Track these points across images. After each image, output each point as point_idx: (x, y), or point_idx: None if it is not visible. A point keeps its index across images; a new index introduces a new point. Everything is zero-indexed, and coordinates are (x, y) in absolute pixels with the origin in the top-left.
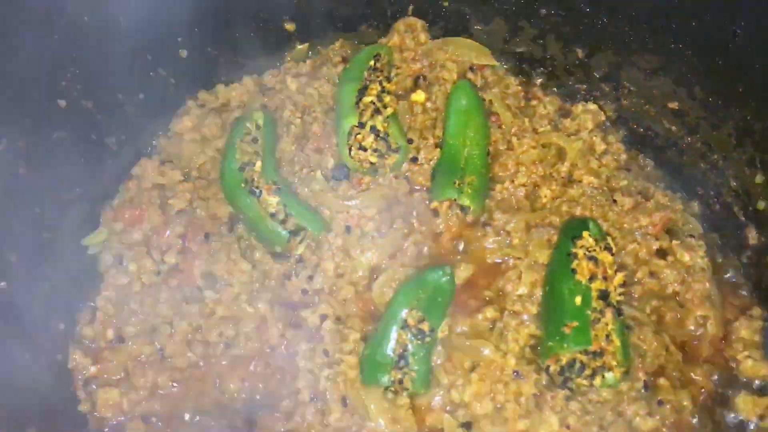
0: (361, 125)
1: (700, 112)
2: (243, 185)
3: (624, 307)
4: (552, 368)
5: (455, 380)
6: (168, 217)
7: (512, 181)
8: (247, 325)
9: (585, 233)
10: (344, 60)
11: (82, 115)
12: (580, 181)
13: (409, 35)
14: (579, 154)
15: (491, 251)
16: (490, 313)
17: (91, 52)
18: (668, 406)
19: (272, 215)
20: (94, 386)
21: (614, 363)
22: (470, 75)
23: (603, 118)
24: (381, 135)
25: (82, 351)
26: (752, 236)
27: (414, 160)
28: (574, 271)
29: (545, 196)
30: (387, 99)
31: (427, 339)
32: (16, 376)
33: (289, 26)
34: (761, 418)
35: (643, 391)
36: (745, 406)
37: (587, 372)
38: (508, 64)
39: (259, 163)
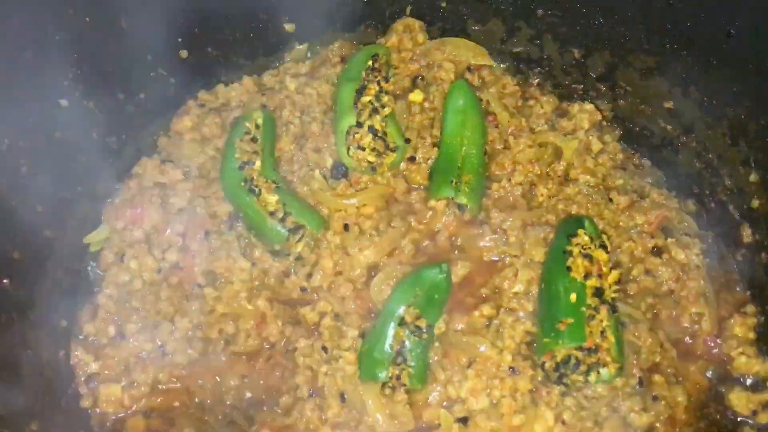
0: (360, 125)
1: (695, 112)
2: (242, 184)
3: (619, 304)
4: (547, 364)
5: (452, 376)
6: (168, 215)
7: (509, 180)
8: (246, 322)
9: (580, 231)
10: (343, 60)
11: (84, 115)
12: (576, 180)
13: (407, 36)
14: (575, 153)
15: (488, 249)
16: (486, 310)
17: (92, 52)
18: (663, 402)
19: (271, 214)
20: (95, 382)
21: (609, 359)
22: (468, 75)
23: (599, 117)
24: (379, 134)
25: (83, 348)
26: (746, 234)
27: (412, 159)
28: (569, 268)
29: (542, 195)
30: (385, 99)
31: (425, 336)
32: (18, 372)
33: (289, 27)
34: (755, 413)
35: (637, 387)
36: (738, 403)
37: (582, 368)
38: (505, 64)
39: (258, 162)
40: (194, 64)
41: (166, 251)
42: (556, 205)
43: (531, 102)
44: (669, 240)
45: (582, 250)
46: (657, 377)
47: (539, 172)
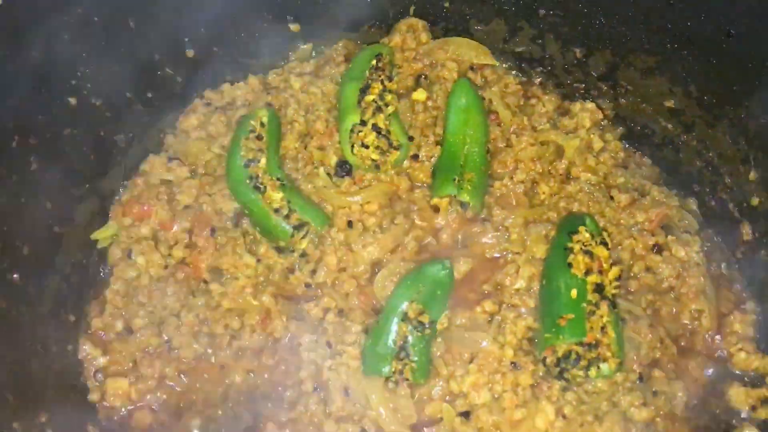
0: (363, 123)
1: (696, 111)
2: (248, 181)
3: (620, 300)
4: (548, 359)
5: (454, 371)
6: (175, 212)
7: (511, 178)
8: (252, 317)
9: (581, 228)
10: (347, 60)
11: (92, 113)
12: (577, 178)
13: (410, 35)
14: (577, 151)
15: (490, 246)
16: (488, 306)
17: (100, 52)
18: (662, 397)
19: (276, 211)
20: (103, 376)
21: (609, 354)
22: (470, 74)
23: (600, 116)
24: (383, 133)
25: (91, 342)
26: (746, 232)
27: (415, 157)
28: (570, 265)
29: (543, 193)
30: (388, 98)
31: (427, 331)
32: (27, 366)
33: (294, 27)
34: (753, 409)
35: (638, 382)
36: (738, 398)
37: (583, 363)
38: (507, 64)
39: (263, 160)
40: (200, 64)
41: (172, 247)
42: (558, 202)
43: (533, 101)
44: (669, 237)
45: (583, 247)
46: (657, 372)
47: (541, 170)
